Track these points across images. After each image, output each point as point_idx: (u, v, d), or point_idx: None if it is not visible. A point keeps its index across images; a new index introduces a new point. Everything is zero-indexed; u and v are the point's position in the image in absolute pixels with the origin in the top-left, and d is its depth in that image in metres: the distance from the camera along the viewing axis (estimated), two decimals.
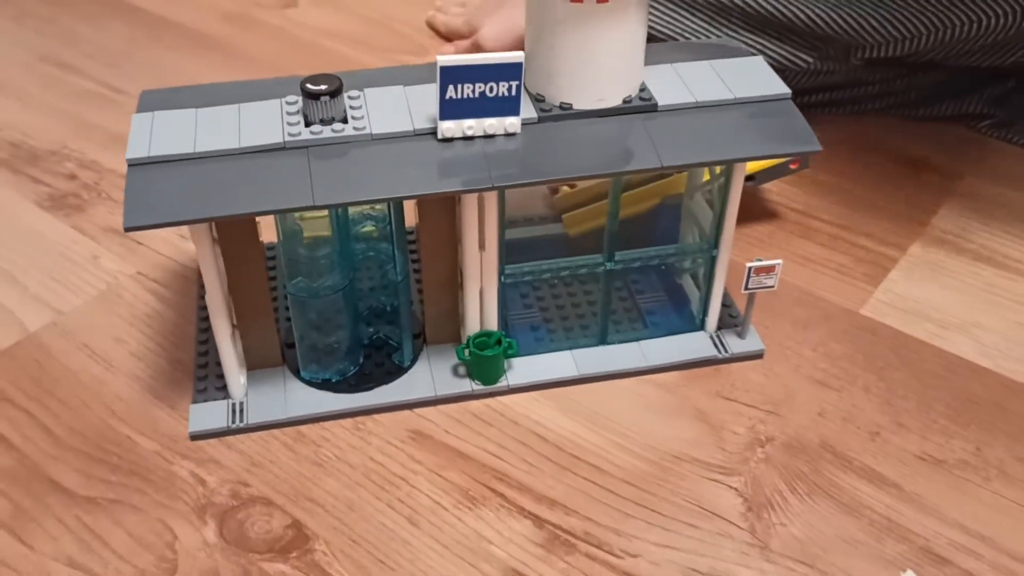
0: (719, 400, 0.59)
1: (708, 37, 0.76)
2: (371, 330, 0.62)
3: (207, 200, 0.48)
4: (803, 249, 0.71)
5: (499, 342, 0.58)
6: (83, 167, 0.79)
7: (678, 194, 0.63)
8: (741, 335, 0.62)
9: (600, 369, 0.60)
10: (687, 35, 0.76)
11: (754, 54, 0.58)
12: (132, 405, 0.58)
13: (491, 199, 0.53)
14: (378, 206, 0.58)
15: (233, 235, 0.53)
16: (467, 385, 0.59)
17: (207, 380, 0.59)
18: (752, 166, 0.69)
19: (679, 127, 0.53)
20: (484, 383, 0.59)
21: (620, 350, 0.61)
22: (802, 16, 0.72)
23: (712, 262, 0.60)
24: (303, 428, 0.57)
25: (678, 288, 0.65)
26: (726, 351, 0.61)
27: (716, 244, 0.59)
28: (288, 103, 0.53)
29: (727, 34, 0.76)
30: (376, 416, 0.58)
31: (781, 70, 0.76)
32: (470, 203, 0.53)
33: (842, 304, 0.66)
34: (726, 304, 0.64)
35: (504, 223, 0.55)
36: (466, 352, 0.58)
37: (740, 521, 0.52)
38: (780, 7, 0.72)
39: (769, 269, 0.58)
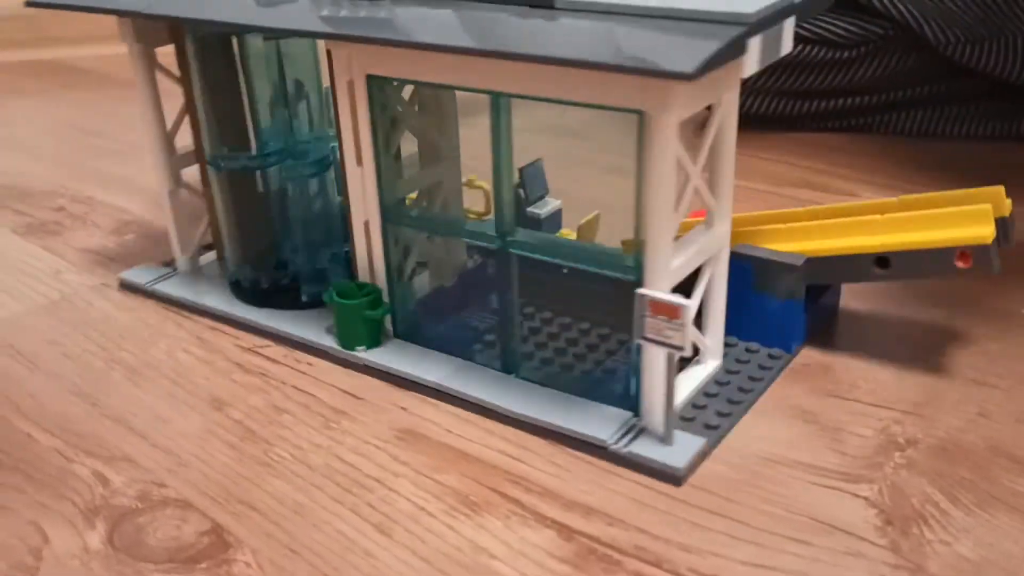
0: (831, 399, 0.42)
1: None
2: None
3: None
4: None
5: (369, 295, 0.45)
6: (75, 202, 0.69)
7: None
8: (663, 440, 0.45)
9: None
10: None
11: None
12: (44, 402, 0.45)
13: (360, 87, 0.41)
14: None
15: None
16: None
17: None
18: (886, 240, 0.44)
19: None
20: (342, 343, 0.46)
21: None
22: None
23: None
24: (254, 425, 0.42)
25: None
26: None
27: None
28: None
29: None
30: (353, 414, 0.43)
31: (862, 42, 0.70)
32: (342, 93, 0.42)
33: (993, 303, 0.49)
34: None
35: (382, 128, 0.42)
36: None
37: (876, 537, 0.34)
38: None
39: (672, 311, 0.34)
